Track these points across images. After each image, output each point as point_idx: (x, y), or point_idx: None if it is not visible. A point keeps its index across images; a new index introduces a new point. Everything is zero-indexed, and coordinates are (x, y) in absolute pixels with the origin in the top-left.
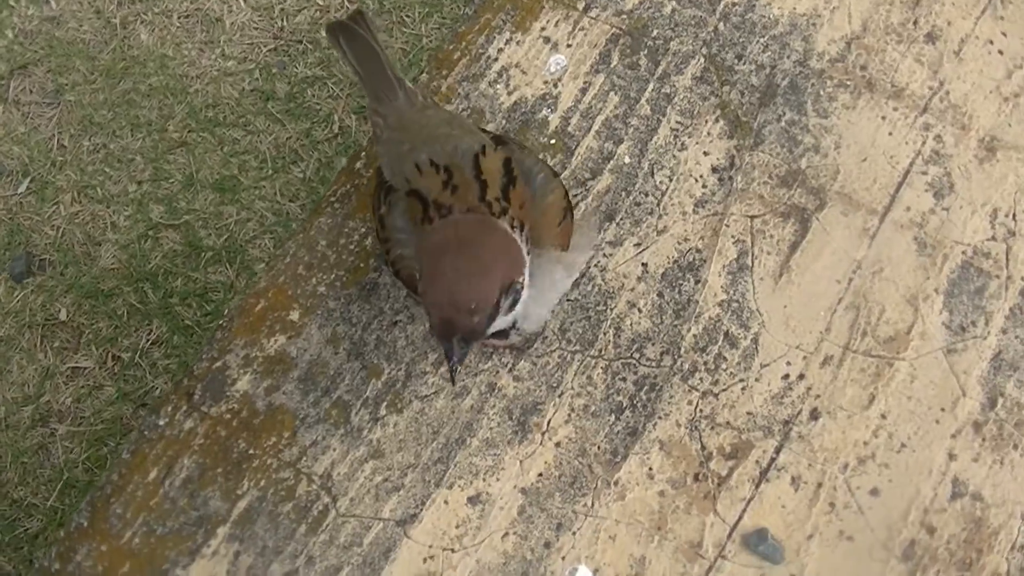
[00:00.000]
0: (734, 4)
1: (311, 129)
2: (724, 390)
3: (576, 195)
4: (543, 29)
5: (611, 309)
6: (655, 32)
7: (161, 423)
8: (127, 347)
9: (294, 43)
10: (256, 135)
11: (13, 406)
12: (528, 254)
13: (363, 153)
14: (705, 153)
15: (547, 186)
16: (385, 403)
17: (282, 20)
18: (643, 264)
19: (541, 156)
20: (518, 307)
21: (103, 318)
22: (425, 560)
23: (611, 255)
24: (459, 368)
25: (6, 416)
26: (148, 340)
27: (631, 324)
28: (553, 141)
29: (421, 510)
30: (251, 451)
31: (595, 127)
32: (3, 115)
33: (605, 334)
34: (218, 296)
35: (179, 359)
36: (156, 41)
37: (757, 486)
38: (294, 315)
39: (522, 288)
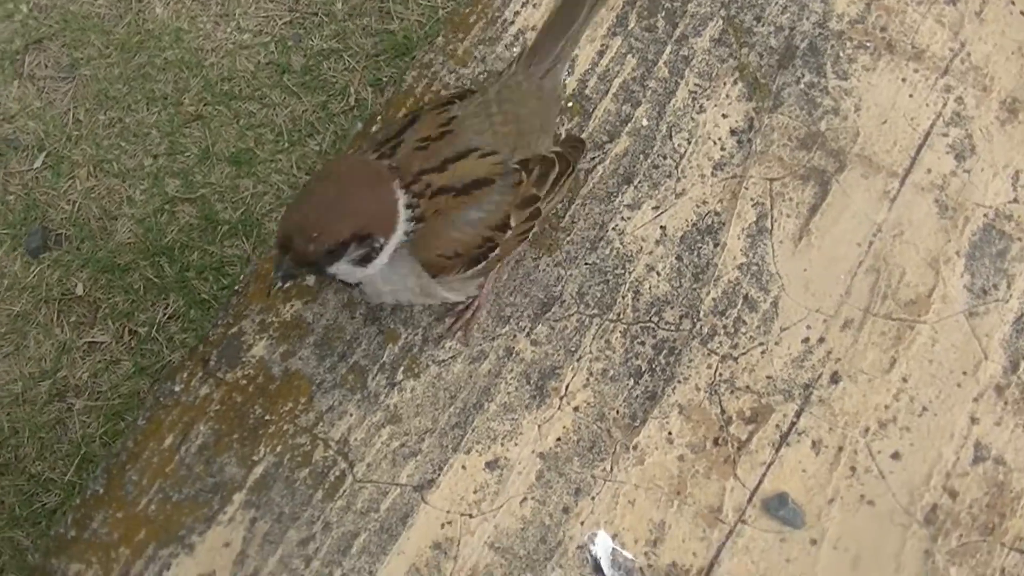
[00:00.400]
0: None
1: (327, 102)
2: (743, 354)
3: (594, 158)
4: None
5: (629, 273)
6: None
7: (176, 389)
8: (144, 321)
9: (309, 15)
10: (272, 108)
11: (30, 381)
12: (406, 234)
13: (379, 117)
14: (724, 116)
15: (474, 227)
16: (402, 368)
17: None
18: (661, 227)
19: (556, 120)
20: (369, 268)
21: (119, 292)
22: (443, 526)
23: (629, 218)
24: (279, 285)
25: (23, 391)
26: (165, 314)
27: (649, 288)
28: (570, 104)
29: (439, 475)
30: (267, 417)
31: (612, 90)
32: (18, 90)
33: (623, 298)
34: (235, 270)
35: (196, 333)
36: (171, 15)
37: (777, 450)
38: (310, 279)
39: (380, 250)
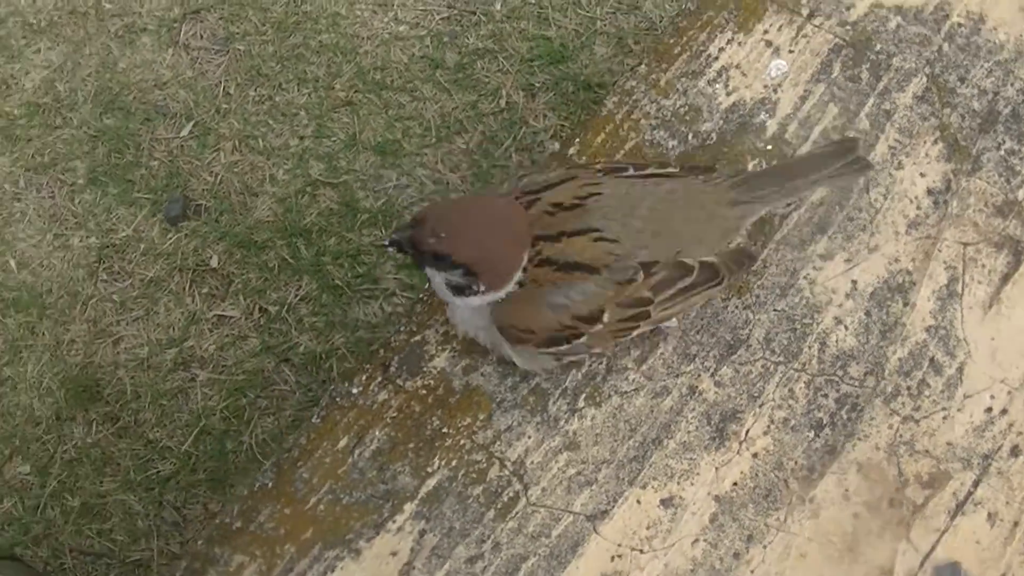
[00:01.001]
0: (960, 25)
1: (478, 101)
2: (925, 417)
3: (790, 204)
4: (765, 32)
5: (817, 323)
6: (878, 46)
7: (354, 391)
8: (275, 300)
9: (467, 13)
10: (422, 102)
11: (157, 347)
12: (505, 290)
13: (577, 140)
14: (921, 175)
15: (556, 312)
16: (584, 395)
17: None
18: (852, 281)
19: (755, 162)
20: (457, 299)
21: (253, 269)
22: (613, 558)
23: (821, 268)
24: (385, 245)
25: (149, 356)
26: (296, 296)
27: (836, 340)
28: (770, 147)
29: (613, 507)
30: (444, 429)
31: (813, 136)
32: (172, 58)
33: (810, 348)
34: (371, 259)
35: (326, 318)
36: None
37: (952, 518)
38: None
39: (476, 293)
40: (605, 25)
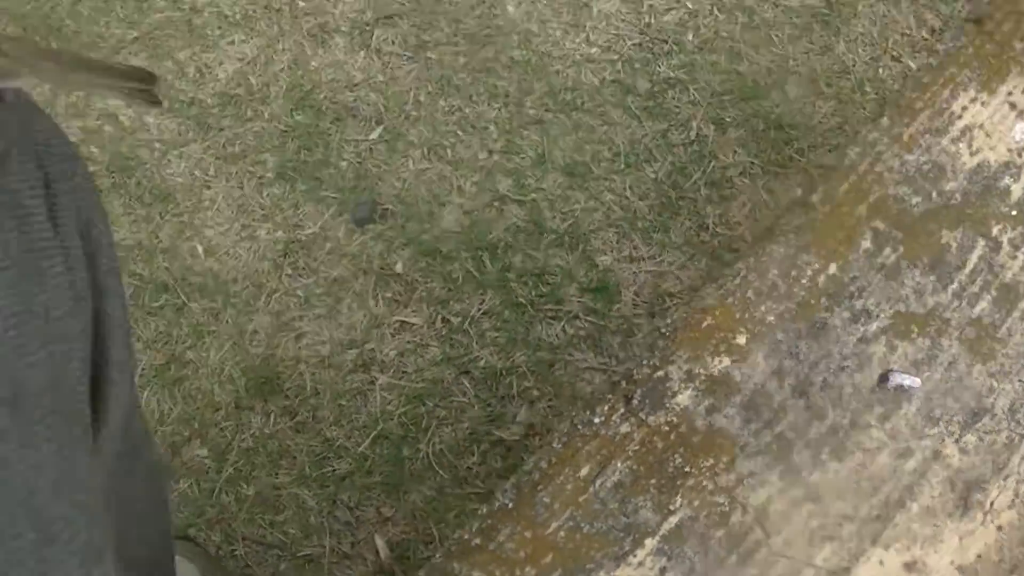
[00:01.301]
0: None
1: (668, 131)
2: None
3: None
4: (1010, 94)
5: None
6: None
7: (596, 421)
8: (457, 312)
9: (659, 41)
10: (612, 127)
11: (338, 347)
12: None
13: (820, 187)
14: None
15: None
16: (827, 448)
17: (650, 16)
18: None
19: (999, 227)
20: None
21: (438, 278)
22: None
23: None
24: None
25: (330, 355)
26: (479, 309)
27: None
28: (1015, 213)
29: (855, 565)
30: (687, 468)
31: None
32: (364, 60)
33: None
34: (555, 279)
35: (508, 334)
36: (522, 15)
37: None
38: (740, 339)
39: None
40: (797, 65)
